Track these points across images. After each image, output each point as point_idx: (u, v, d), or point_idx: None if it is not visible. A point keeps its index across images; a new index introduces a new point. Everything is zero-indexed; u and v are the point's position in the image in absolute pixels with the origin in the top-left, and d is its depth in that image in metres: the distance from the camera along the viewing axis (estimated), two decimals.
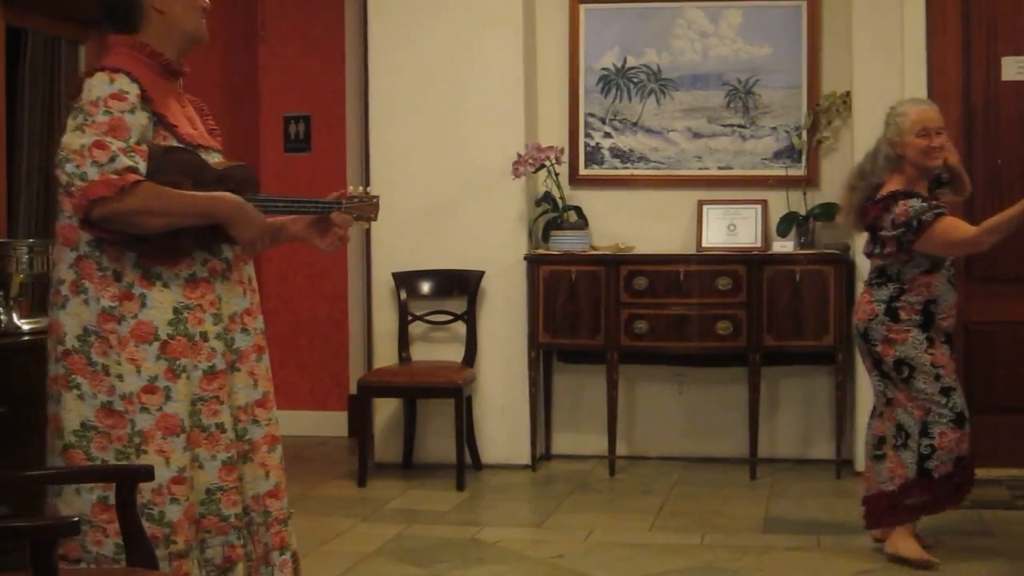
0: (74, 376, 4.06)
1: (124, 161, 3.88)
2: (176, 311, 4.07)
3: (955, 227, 5.94)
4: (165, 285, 4.07)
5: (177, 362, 4.06)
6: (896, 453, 6.05)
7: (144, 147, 3.96)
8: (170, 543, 4.04)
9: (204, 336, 4.13)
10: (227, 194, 4.10)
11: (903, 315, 5.98)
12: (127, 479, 3.73)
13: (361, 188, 4.55)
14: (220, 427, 4.16)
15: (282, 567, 4.34)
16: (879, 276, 6.08)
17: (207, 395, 4.13)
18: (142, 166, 3.92)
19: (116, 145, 3.89)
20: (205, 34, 4.28)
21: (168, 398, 4.05)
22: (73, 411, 4.05)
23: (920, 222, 5.88)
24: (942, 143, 6.07)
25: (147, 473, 3.77)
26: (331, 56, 9.29)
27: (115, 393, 4.03)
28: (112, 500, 3.85)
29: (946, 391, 5.96)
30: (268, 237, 4.32)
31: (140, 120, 4.00)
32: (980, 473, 6.33)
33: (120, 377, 4.03)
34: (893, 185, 6.04)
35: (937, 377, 5.95)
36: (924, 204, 5.93)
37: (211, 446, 4.14)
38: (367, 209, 4.47)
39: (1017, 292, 7.72)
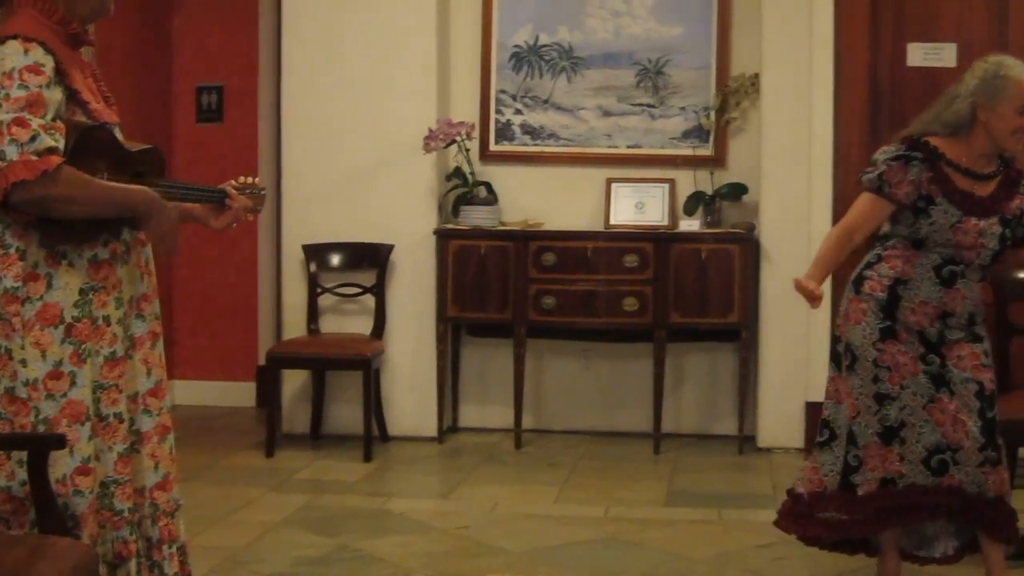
0: None
1: (46, 141, 3.66)
2: (83, 292, 3.87)
3: (856, 211, 5.07)
4: (71, 265, 3.86)
5: (83, 346, 3.86)
6: (816, 453, 5.16)
7: (61, 124, 3.76)
8: (75, 538, 3.79)
9: (107, 320, 3.93)
10: (145, 188, 3.92)
11: (866, 287, 5.01)
12: (39, 447, 3.70)
13: (252, 179, 4.44)
14: (118, 417, 3.97)
15: (170, 560, 4.14)
16: (877, 239, 5.19)
17: (107, 383, 3.94)
18: (62, 144, 3.71)
19: (36, 123, 3.67)
20: (112, 8, 4.09)
21: (73, 383, 3.85)
22: None
23: (860, 178, 5.07)
24: None
25: (59, 441, 3.72)
26: (245, 27, 9.23)
27: (18, 379, 3.81)
28: None
29: (880, 398, 4.96)
30: (178, 232, 4.09)
31: (56, 96, 3.78)
32: None
33: (24, 362, 3.80)
34: (936, 142, 4.98)
35: (876, 379, 4.96)
36: (886, 158, 4.99)
37: (108, 437, 3.94)
38: (255, 201, 4.40)
39: None
